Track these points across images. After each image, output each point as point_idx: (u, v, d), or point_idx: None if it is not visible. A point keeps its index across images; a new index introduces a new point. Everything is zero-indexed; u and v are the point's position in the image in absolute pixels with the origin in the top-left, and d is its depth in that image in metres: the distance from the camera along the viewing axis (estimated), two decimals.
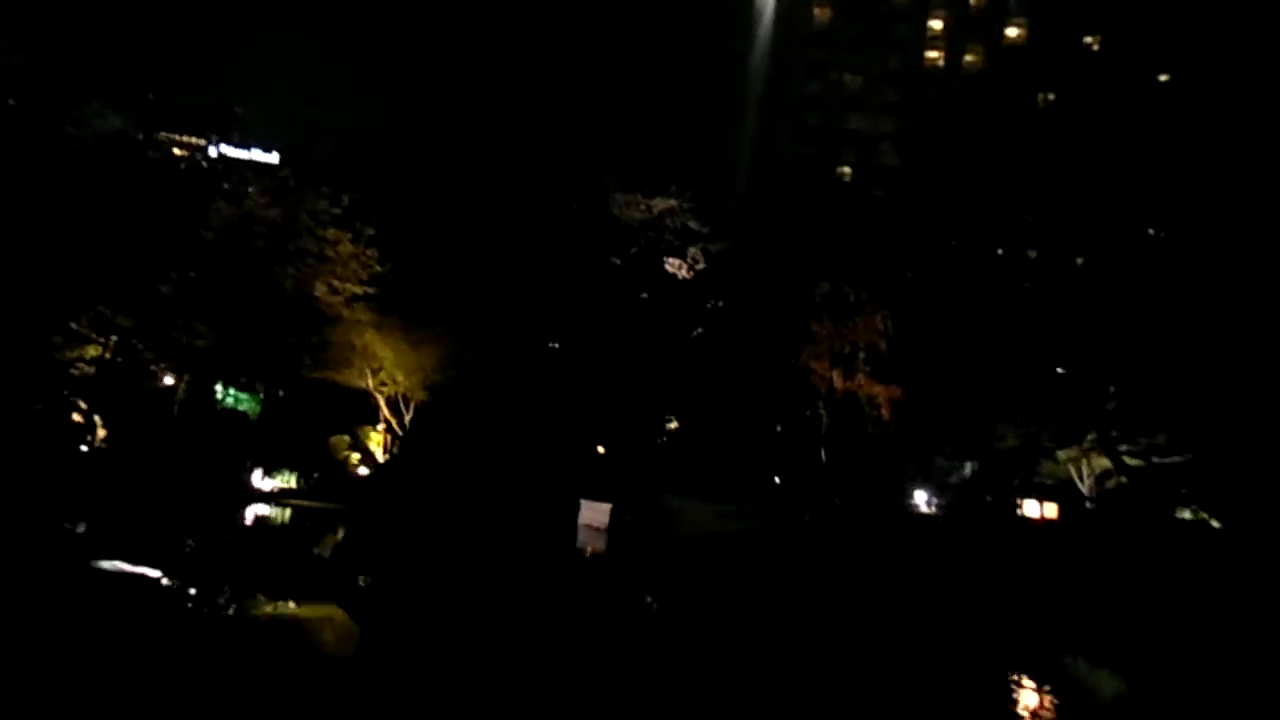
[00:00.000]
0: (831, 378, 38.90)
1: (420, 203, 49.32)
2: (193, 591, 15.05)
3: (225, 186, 40.00)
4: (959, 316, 46.23)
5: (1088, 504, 44.04)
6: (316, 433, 38.59)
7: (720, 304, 45.33)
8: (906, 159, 76.29)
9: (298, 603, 16.57)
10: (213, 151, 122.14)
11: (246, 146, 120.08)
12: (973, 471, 46.45)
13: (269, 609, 16.14)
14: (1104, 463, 43.24)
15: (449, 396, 41.30)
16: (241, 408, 44.90)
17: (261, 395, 44.39)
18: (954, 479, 46.31)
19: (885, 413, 38.18)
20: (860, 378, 38.63)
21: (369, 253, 41.17)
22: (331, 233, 39.72)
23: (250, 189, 39.13)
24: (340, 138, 70.74)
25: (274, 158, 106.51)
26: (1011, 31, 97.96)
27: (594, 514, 35.63)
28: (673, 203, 53.97)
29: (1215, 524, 36.91)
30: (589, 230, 52.44)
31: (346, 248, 40.04)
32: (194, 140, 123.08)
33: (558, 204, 53.80)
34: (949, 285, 47.28)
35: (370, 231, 40.94)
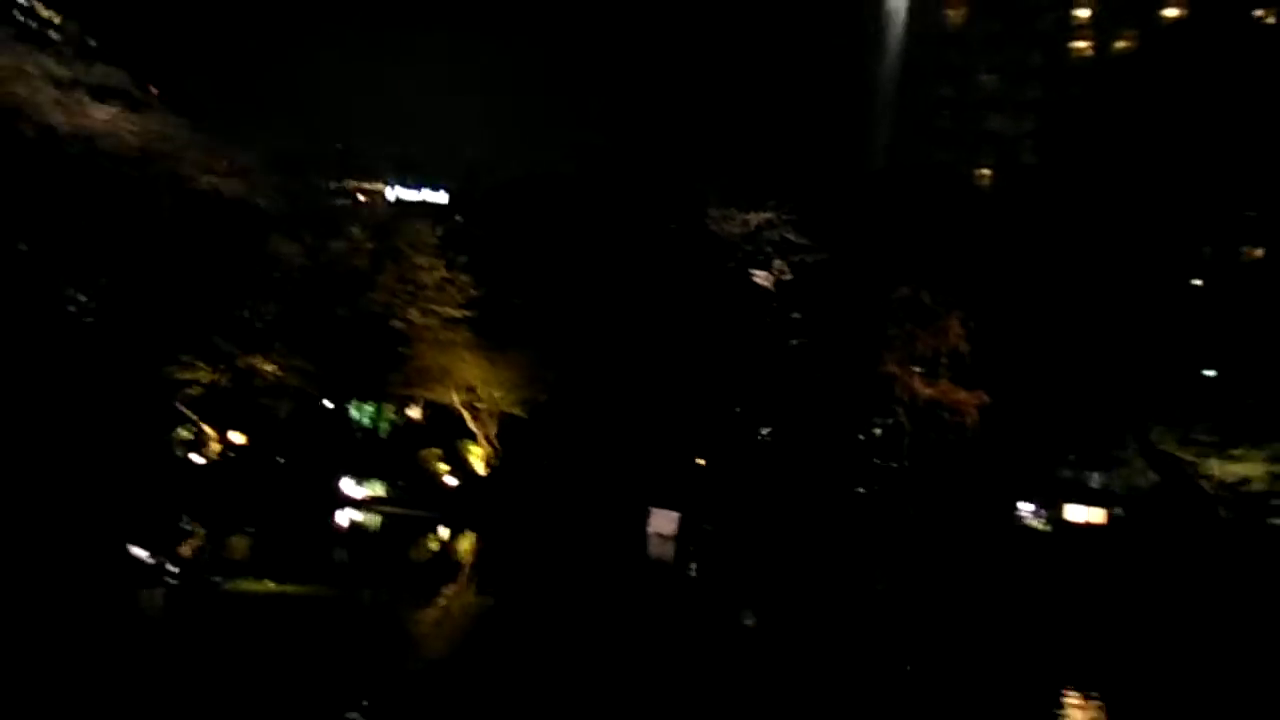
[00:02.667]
0: (913, 384, 37.52)
1: (519, 227, 52.03)
2: (175, 570, 17.16)
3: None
4: (1084, 319, 43.41)
5: (1220, 510, 39.92)
6: (412, 446, 41.49)
7: (800, 315, 44.72)
8: (1044, 155, 72.07)
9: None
10: (390, 195, 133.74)
11: (418, 188, 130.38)
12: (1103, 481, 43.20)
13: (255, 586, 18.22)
14: (1235, 469, 39.21)
15: (540, 413, 43.19)
16: (366, 422, 48.97)
17: (392, 413, 48.30)
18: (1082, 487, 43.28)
19: (969, 420, 36.37)
20: (943, 384, 37.04)
21: (463, 278, 43.97)
22: (425, 260, 42.80)
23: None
24: (499, 174, 75.69)
25: (443, 197, 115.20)
26: (1169, 11, 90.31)
27: (663, 522, 36.11)
28: (768, 216, 53.88)
29: None
30: (684, 248, 53.28)
31: (440, 273, 42.99)
32: (374, 186, 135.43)
33: (656, 224, 55.04)
34: (1073, 286, 44.49)
35: (464, 259, 43.74)
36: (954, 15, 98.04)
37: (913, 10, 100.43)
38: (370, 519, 36.03)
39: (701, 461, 45.70)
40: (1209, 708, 16.94)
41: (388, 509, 37.07)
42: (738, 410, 43.08)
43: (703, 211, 55.82)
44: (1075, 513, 36.18)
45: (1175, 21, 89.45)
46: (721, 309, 47.92)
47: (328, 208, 43.55)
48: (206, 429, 36.62)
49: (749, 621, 23.10)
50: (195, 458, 36.01)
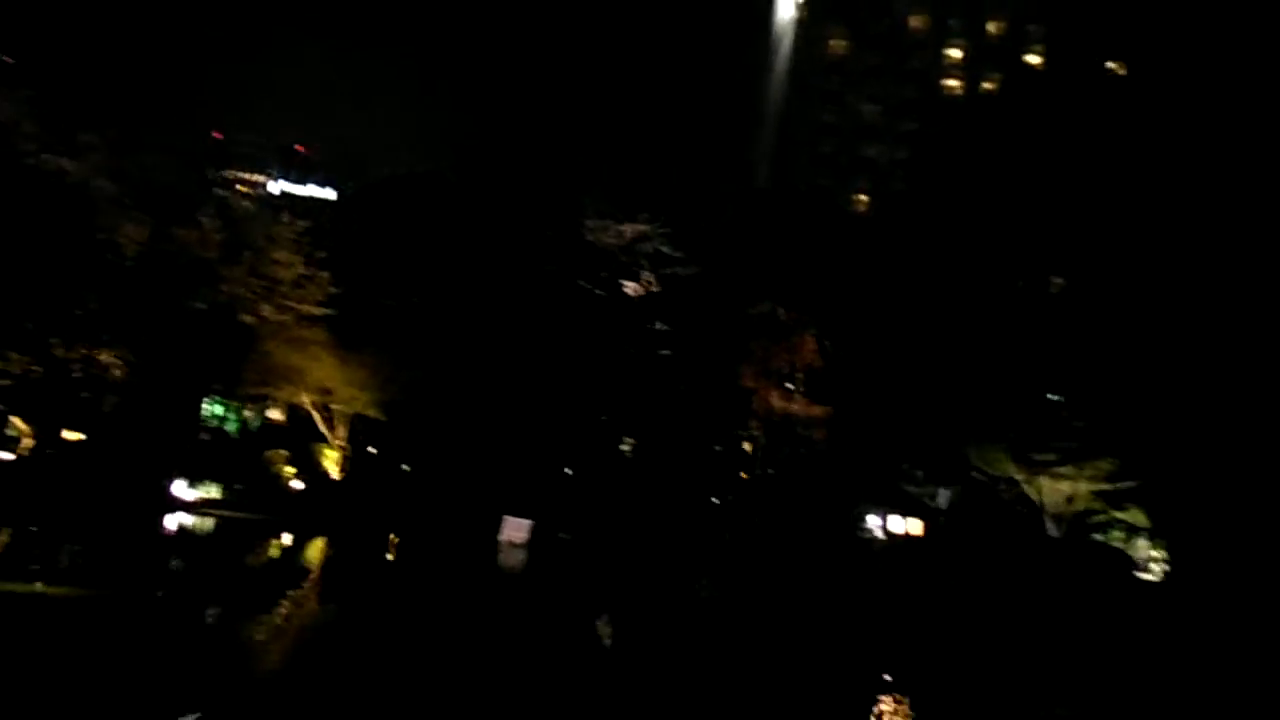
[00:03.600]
0: (769, 398, 38.46)
1: (391, 225, 50.83)
2: None
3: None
4: (932, 338, 45.43)
5: (1050, 528, 42.47)
6: (262, 448, 39.74)
7: (667, 327, 45.35)
8: (907, 183, 75.60)
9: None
10: (274, 188, 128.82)
11: (305, 183, 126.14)
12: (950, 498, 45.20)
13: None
14: (1061, 487, 41.76)
15: (398, 416, 42.12)
16: (219, 423, 46.60)
17: (251, 413, 46.08)
18: (933, 503, 45.13)
19: (819, 434, 37.55)
20: (798, 399, 38.13)
21: (323, 275, 42.50)
22: (283, 254, 41.20)
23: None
24: (380, 172, 73.70)
25: (332, 194, 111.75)
26: (1032, 59, 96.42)
27: (515, 530, 35.71)
28: (644, 228, 54.46)
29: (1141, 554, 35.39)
30: (558, 255, 53.23)
31: (298, 269, 41.45)
32: (257, 178, 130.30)
33: (531, 229, 54.78)
34: (923, 307, 46.57)
35: (321, 254, 42.33)
36: (836, 45, 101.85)
37: (799, 36, 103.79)
38: (202, 523, 34.19)
39: (568, 470, 45.62)
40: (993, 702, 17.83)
41: (222, 512, 35.28)
42: (601, 419, 43.16)
43: (579, 220, 55.99)
44: (895, 524, 37.76)
45: (1036, 67, 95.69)
46: (590, 318, 48.07)
47: (178, 194, 41.21)
48: (17, 423, 33.86)
49: (604, 630, 22.82)
50: (3, 454, 33.26)
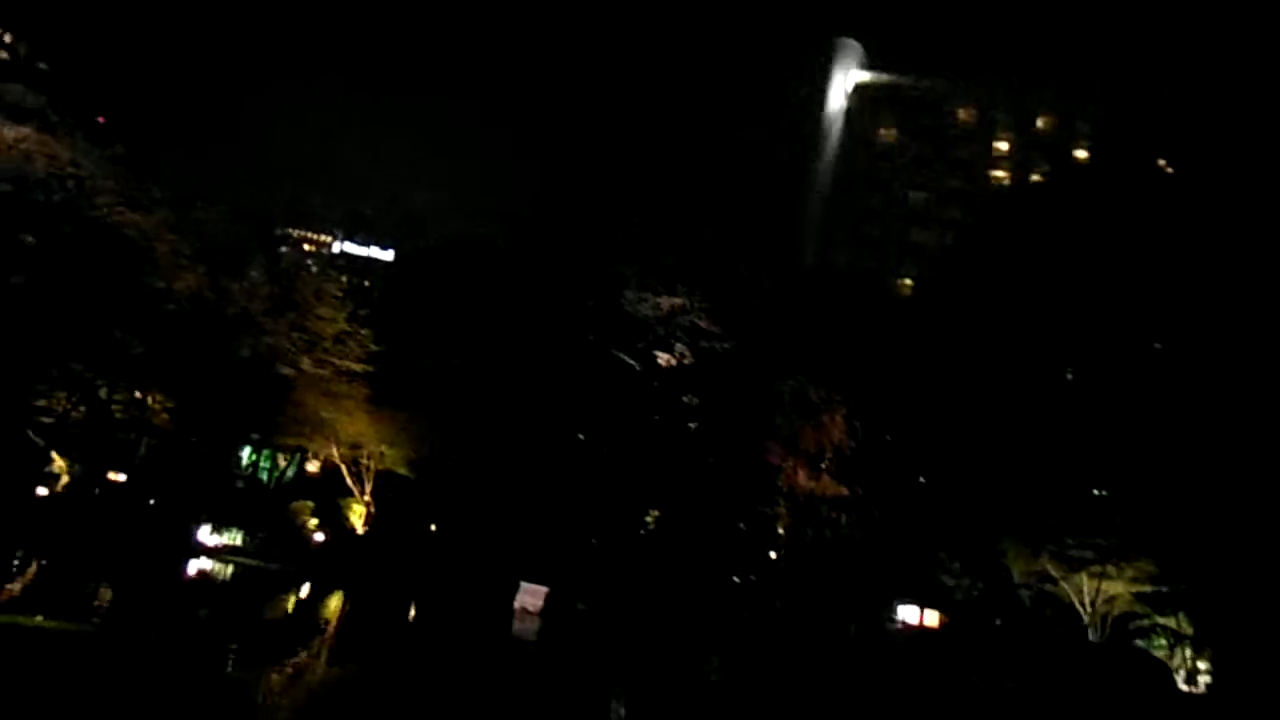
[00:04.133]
0: (796, 477, 37.93)
1: (437, 288, 52.06)
2: None
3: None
4: (969, 424, 44.69)
5: (1090, 631, 40.68)
6: (291, 499, 40.16)
7: (698, 400, 45.25)
8: (950, 269, 75.47)
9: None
10: (336, 248, 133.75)
11: (367, 244, 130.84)
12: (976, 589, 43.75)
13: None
14: (1110, 588, 40.13)
15: (426, 475, 42.42)
16: (263, 475, 47.36)
17: (287, 463, 46.84)
18: (964, 597, 43.69)
19: (846, 516, 36.80)
20: (825, 479, 37.53)
21: (364, 332, 43.57)
22: (327, 310, 42.39)
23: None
24: (432, 235, 76.22)
25: (389, 255, 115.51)
26: (1080, 153, 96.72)
27: (531, 597, 35.26)
28: (681, 301, 54.94)
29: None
30: (597, 325, 53.86)
31: (340, 325, 42.57)
32: (323, 238, 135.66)
33: (572, 298, 55.64)
34: (961, 392, 45.97)
35: (364, 312, 43.46)
36: (885, 134, 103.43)
37: (849, 123, 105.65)
38: (223, 569, 34.43)
39: (592, 540, 45.21)
40: None
41: (243, 560, 35.53)
42: (626, 488, 42.88)
43: (620, 292, 56.77)
44: (909, 614, 36.35)
45: (1085, 162, 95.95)
46: (623, 388, 48.24)
47: (236, 248, 42.94)
48: (58, 460, 34.83)
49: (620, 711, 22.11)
50: (41, 490, 34.12)
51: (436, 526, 40.32)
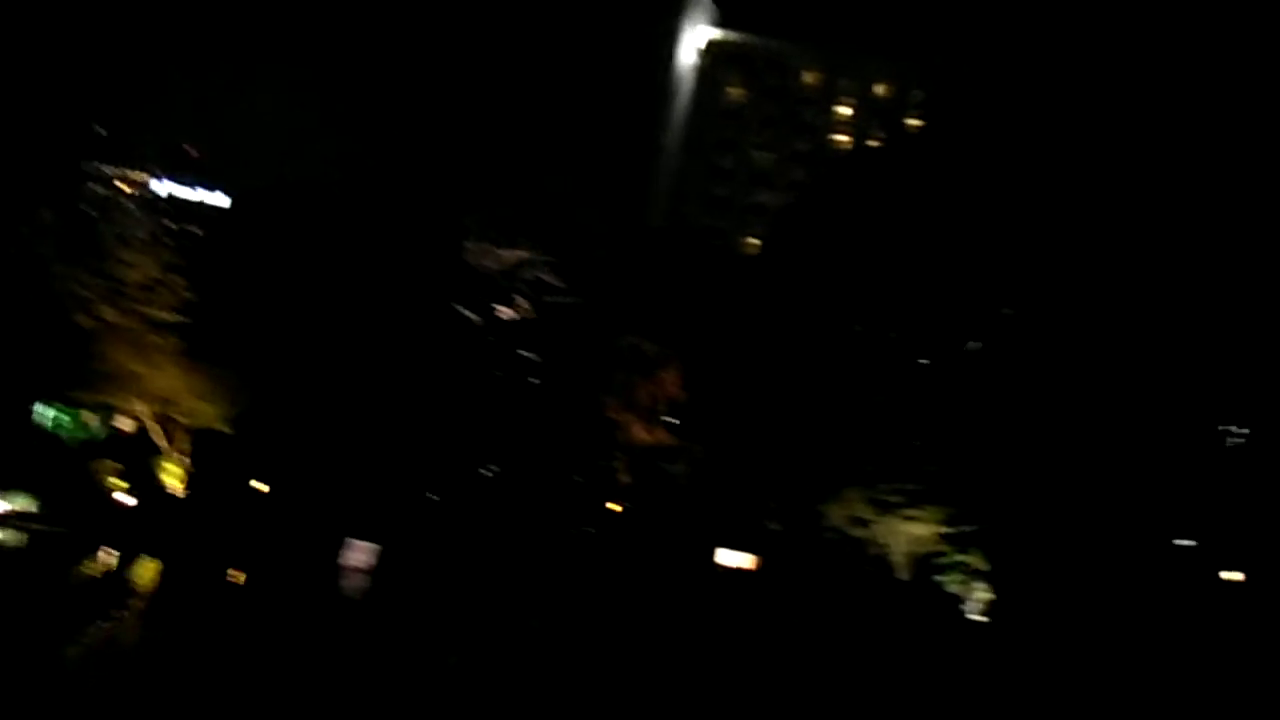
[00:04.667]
0: (633, 430, 38.64)
1: (258, 235, 49.06)
2: None
3: None
4: (796, 378, 46.60)
5: (898, 570, 43.85)
6: (88, 457, 37.22)
7: (537, 355, 45.13)
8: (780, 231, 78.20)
9: None
10: (161, 189, 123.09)
11: (193, 187, 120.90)
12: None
13: None
14: (916, 529, 43.24)
15: (248, 433, 40.28)
16: (54, 428, 43.32)
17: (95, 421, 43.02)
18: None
19: (682, 467, 37.94)
20: (660, 432, 38.45)
21: (177, 280, 40.49)
22: (133, 256, 39.12)
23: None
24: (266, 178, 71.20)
25: (225, 201, 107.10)
26: (913, 121, 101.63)
27: (360, 554, 34.47)
28: (524, 254, 54.29)
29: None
30: (436, 275, 52.44)
31: (149, 272, 39.40)
32: (141, 176, 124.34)
33: (409, 245, 53.85)
34: (792, 347, 47.82)
35: (179, 260, 40.41)
36: (735, 93, 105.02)
37: (700, 80, 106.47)
38: (12, 536, 31.57)
39: (430, 495, 44.47)
40: None
41: (36, 525, 32.68)
42: (461, 442, 42.32)
43: (461, 242, 55.41)
44: (726, 557, 38.22)
45: (917, 130, 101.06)
46: (461, 339, 47.32)
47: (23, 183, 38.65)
48: None
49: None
50: None
51: (259, 484, 38.50)
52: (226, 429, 40.71)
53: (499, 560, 37.25)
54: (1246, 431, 41.07)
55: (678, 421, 38.50)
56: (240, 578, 31.60)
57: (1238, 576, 40.33)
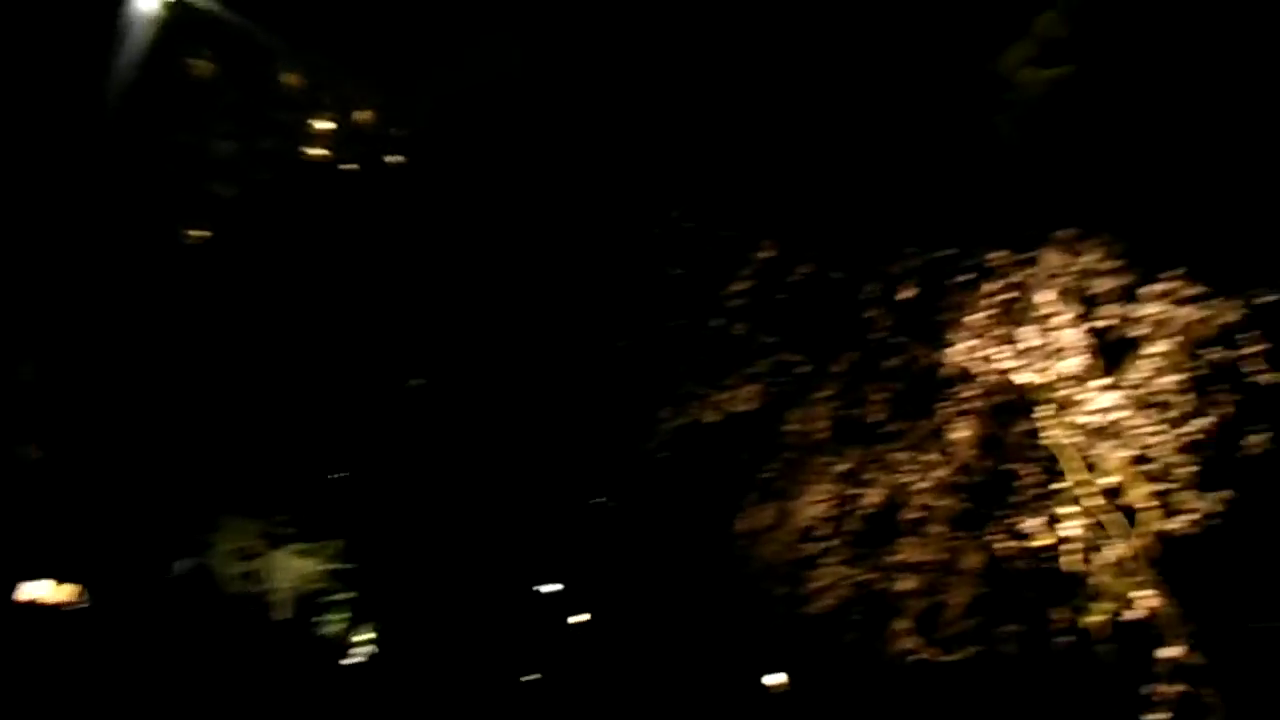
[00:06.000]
0: None
1: None
2: None
3: None
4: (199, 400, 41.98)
5: (280, 609, 41.69)
6: None
7: None
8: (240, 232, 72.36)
9: None
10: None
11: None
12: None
13: None
14: (303, 565, 41.70)
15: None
16: None
17: None
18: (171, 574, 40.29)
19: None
20: None
21: None
22: None
23: None
24: None
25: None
26: (391, 158, 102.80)
27: None
28: None
29: None
30: None
31: None
32: None
33: None
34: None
35: None
36: (200, 68, 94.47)
37: (160, 39, 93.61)
38: None
39: None
40: None
41: None
42: None
43: None
44: (34, 589, 32.04)
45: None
46: None
47: None
48: None
49: None
50: None
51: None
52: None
53: None
54: None
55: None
56: None
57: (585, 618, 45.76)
